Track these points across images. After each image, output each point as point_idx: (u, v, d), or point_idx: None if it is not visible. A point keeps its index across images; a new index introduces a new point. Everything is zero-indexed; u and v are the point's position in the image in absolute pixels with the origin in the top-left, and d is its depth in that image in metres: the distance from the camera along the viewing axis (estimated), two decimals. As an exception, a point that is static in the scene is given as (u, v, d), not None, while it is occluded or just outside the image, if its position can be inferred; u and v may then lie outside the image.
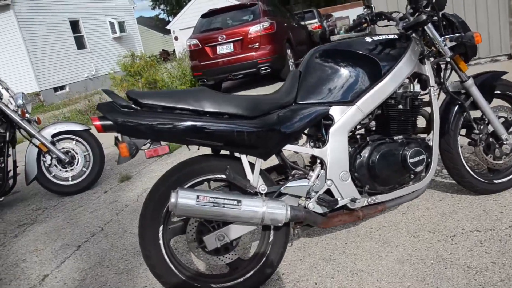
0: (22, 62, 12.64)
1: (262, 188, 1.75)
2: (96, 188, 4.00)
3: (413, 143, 1.92)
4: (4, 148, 3.70)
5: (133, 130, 1.62)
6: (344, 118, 1.83)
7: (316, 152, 1.83)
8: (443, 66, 2.13)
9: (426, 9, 1.96)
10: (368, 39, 1.91)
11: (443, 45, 1.98)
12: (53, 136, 3.86)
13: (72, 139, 3.96)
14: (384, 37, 1.94)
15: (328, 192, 1.86)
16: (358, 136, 1.97)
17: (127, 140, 1.61)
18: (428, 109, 2.06)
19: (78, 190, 3.93)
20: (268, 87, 7.84)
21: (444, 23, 2.06)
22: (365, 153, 1.88)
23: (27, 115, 3.80)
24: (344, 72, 1.85)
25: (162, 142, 1.70)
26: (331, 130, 1.82)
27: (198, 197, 1.62)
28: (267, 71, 7.68)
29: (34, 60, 12.76)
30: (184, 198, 1.60)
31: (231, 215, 1.66)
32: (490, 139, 2.22)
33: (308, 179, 1.83)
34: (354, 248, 2.08)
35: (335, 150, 1.83)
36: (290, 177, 1.87)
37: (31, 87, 12.78)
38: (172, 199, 1.60)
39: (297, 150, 1.83)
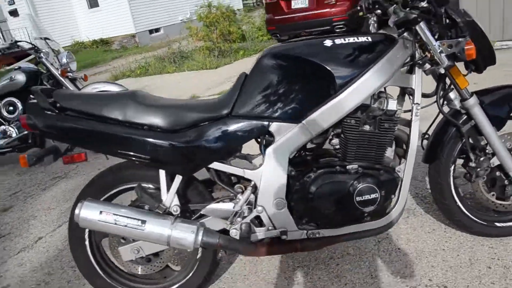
0: (121, 4, 13.37)
1: (175, 209, 1.61)
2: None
3: (369, 176, 1.58)
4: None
5: (52, 134, 1.59)
6: (286, 137, 1.56)
7: (247, 173, 1.61)
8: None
9: (421, 3, 1.51)
10: (328, 42, 1.53)
11: (438, 51, 1.52)
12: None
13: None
14: (352, 39, 1.54)
15: (259, 219, 1.65)
16: (308, 158, 1.68)
17: (30, 151, 1.59)
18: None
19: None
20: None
21: (447, 21, 1.58)
22: (306, 181, 1.59)
23: (70, 74, 4.03)
24: (292, 82, 1.54)
25: (80, 149, 1.66)
26: (268, 150, 1.57)
27: (101, 212, 1.55)
28: (343, 29, 7.04)
29: (132, 2, 13.40)
30: (86, 212, 1.55)
31: (135, 235, 1.58)
32: (497, 173, 1.74)
33: (235, 202, 1.63)
34: (303, 274, 1.87)
35: (271, 173, 1.59)
36: (217, 198, 1.69)
37: (128, 29, 13.59)
38: (76, 211, 1.56)
39: (225, 169, 1.62)
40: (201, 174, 1.67)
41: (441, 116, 1.73)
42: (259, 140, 1.62)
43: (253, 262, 2.01)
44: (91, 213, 1.55)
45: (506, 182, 1.73)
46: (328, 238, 1.67)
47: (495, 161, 1.70)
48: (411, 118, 1.59)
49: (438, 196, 1.82)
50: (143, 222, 1.55)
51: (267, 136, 1.59)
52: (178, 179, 1.61)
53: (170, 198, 1.61)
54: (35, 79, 3.97)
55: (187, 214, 1.68)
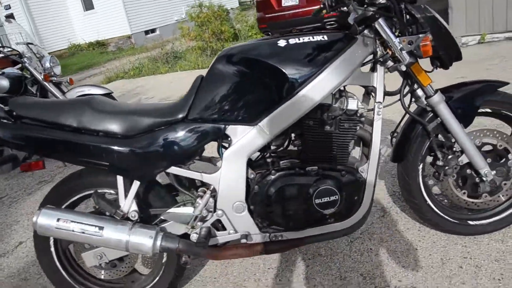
0: (116, 6, 13.36)
1: (133, 214, 1.58)
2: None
3: (328, 178, 1.54)
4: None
5: (8, 143, 1.57)
6: (243, 140, 1.52)
7: (205, 177, 1.58)
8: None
9: None
10: (282, 42, 1.49)
11: (398, 48, 1.47)
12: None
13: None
14: (307, 38, 1.49)
15: (220, 223, 1.61)
16: (269, 161, 1.64)
17: None
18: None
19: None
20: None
21: (408, 18, 1.53)
22: (265, 183, 1.55)
23: (54, 78, 4.00)
24: (247, 84, 1.50)
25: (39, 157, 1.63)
26: (226, 153, 1.54)
27: (58, 220, 1.53)
28: (334, 26, 6.96)
29: (127, 3, 13.39)
30: (43, 219, 1.53)
31: (93, 242, 1.55)
32: (468, 171, 1.69)
33: (195, 206, 1.60)
34: (273, 276, 1.83)
35: (229, 176, 1.55)
36: (178, 202, 1.66)
37: (123, 30, 13.59)
38: (34, 218, 1.53)
39: (183, 173, 1.59)
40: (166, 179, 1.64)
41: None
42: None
43: (224, 264, 1.98)
44: (48, 221, 1.52)
45: (477, 179, 1.68)
46: (292, 241, 1.63)
47: (464, 159, 1.65)
48: (373, 118, 1.55)
49: (408, 195, 1.77)
50: (101, 228, 1.52)
51: (224, 139, 1.55)
52: (136, 184, 1.58)
53: (128, 204, 1.58)
54: (19, 84, 3.94)
55: (148, 219, 1.64)
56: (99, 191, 1.65)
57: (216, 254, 1.64)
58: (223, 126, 1.52)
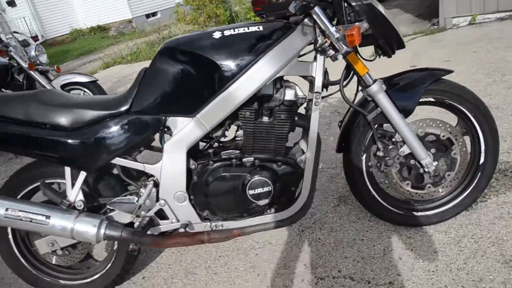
0: (116, -11, 13.31)
1: (79, 204, 1.64)
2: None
3: (263, 169, 1.57)
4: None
5: None
6: (182, 131, 1.56)
7: (147, 168, 1.62)
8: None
9: None
10: (217, 34, 1.50)
11: (335, 37, 1.47)
12: (63, 86, 4.09)
13: (80, 89, 4.16)
14: (242, 29, 1.50)
15: (163, 212, 1.66)
16: (210, 151, 1.67)
17: None
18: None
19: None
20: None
21: (345, 6, 1.53)
22: (203, 174, 1.60)
23: (39, 66, 4.05)
24: (185, 76, 1.52)
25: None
26: (166, 145, 1.58)
27: (7, 209, 1.58)
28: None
29: (128, -13, 13.33)
30: (-7, 208, 1.59)
31: (41, 230, 1.62)
32: (411, 161, 1.70)
33: (139, 196, 1.65)
34: (222, 264, 1.89)
35: (170, 167, 1.59)
36: (126, 191, 1.71)
37: (124, 14, 13.56)
38: (-17, 208, 1.59)
39: (126, 164, 1.63)
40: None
41: None
42: None
43: (180, 251, 2.04)
44: (-6, 210, 1.58)
45: (421, 170, 1.70)
46: (234, 230, 1.67)
47: (406, 149, 1.67)
48: (311, 108, 1.56)
49: (352, 185, 1.80)
50: (47, 217, 1.58)
51: (165, 130, 1.59)
52: (82, 175, 1.63)
53: (74, 194, 1.63)
54: (5, 73, 4.01)
55: (97, 208, 1.70)
56: (48, 181, 1.70)
57: (159, 243, 1.68)
58: (163, 118, 1.56)
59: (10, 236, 1.82)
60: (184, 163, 1.58)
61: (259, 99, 1.56)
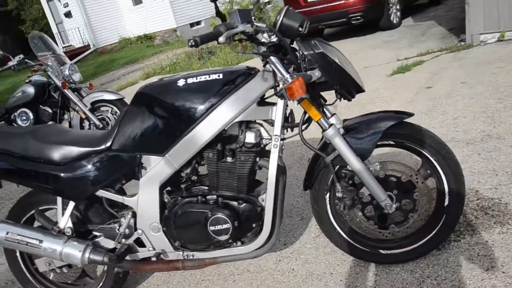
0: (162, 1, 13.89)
1: (67, 230, 1.85)
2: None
3: (223, 207, 1.69)
4: (57, 112, 4.45)
5: None
6: (154, 169, 1.73)
7: (126, 200, 1.80)
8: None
9: (270, 38, 1.60)
10: (181, 82, 1.65)
11: (289, 82, 1.53)
12: (93, 103, 4.43)
13: (108, 106, 4.48)
14: (203, 77, 1.64)
15: (140, 240, 1.83)
16: (182, 187, 1.82)
17: None
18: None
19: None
20: (365, 37, 7.10)
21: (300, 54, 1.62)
22: (173, 208, 1.75)
23: (72, 84, 4.41)
24: (155, 119, 1.69)
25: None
26: (141, 180, 1.76)
27: (7, 233, 1.83)
28: (360, 21, 6.86)
29: (173, -3, 13.88)
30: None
31: (35, 252, 1.85)
32: (374, 202, 1.76)
33: (120, 225, 1.83)
34: (203, 289, 2.03)
35: (145, 201, 1.77)
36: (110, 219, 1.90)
37: (169, 24, 14.12)
38: (-11, 231, 1.85)
39: (108, 196, 1.82)
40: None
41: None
42: None
43: (169, 274, 2.21)
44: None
45: (384, 210, 1.75)
46: (205, 259, 1.81)
47: (366, 191, 1.72)
48: (270, 150, 1.67)
49: (318, 222, 1.88)
50: (40, 241, 1.81)
51: (141, 167, 1.76)
52: (71, 204, 1.84)
53: (64, 221, 1.85)
54: (43, 91, 4.41)
55: (85, 233, 1.90)
56: (43, 208, 1.93)
57: (138, 268, 1.86)
58: (138, 155, 1.73)
59: (17, 254, 2.07)
60: (157, 197, 1.75)
61: (224, 139, 1.69)
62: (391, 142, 1.70)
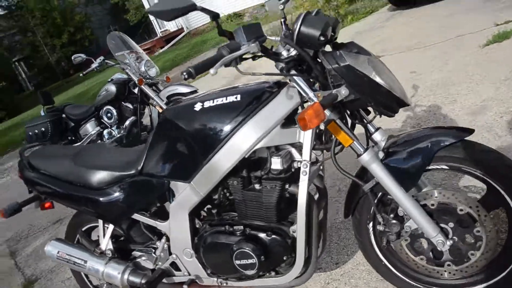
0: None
1: (108, 252, 1.90)
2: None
3: (250, 240, 1.55)
4: (137, 107, 4.68)
5: (28, 185, 2.03)
6: (182, 196, 1.66)
7: (159, 225, 1.78)
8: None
9: (287, 52, 1.40)
10: (198, 106, 1.51)
11: (313, 101, 1.35)
12: (169, 97, 4.55)
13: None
14: (220, 101, 1.49)
15: (175, 264, 1.81)
16: (214, 212, 1.72)
17: (9, 205, 2.01)
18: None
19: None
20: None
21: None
22: (202, 236, 1.67)
23: (148, 80, 4.57)
24: (179, 144, 1.60)
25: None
26: (171, 206, 1.71)
27: (58, 252, 1.96)
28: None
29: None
30: (49, 249, 1.98)
31: (81, 271, 1.95)
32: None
33: (155, 249, 1.82)
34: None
35: (176, 227, 1.73)
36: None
37: None
38: (45, 247, 1.99)
39: (143, 220, 1.81)
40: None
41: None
42: None
43: None
44: (52, 251, 1.97)
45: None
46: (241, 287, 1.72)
47: (413, 224, 1.44)
48: (299, 176, 1.47)
49: (363, 252, 1.64)
50: (85, 261, 1.90)
51: (171, 192, 1.70)
52: (111, 227, 1.88)
53: (105, 243, 1.91)
54: (124, 88, 4.66)
55: (126, 254, 1.94)
56: (88, 225, 2.01)
57: (174, 291, 1.85)
58: (167, 181, 1.67)
59: None
60: (187, 223, 1.68)
61: (250, 166, 1.54)
62: (444, 167, 1.39)
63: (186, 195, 1.64)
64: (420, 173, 1.39)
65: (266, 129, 1.44)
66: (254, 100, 1.46)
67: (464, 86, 3.16)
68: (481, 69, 3.30)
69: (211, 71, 1.23)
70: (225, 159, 1.50)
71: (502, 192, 1.33)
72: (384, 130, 1.50)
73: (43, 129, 4.87)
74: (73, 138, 4.99)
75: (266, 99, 1.45)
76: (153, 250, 1.84)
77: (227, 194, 1.66)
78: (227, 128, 1.48)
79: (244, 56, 1.37)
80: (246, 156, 1.48)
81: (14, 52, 21.36)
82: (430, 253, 1.50)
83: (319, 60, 1.39)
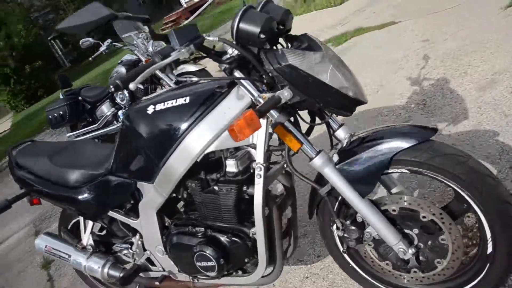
0: None
1: (89, 247, 1.94)
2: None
3: (209, 243, 1.52)
4: (148, 87, 4.69)
5: (16, 182, 2.09)
6: (148, 196, 1.65)
7: (131, 223, 1.79)
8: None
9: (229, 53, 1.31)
10: (150, 109, 1.46)
11: (260, 103, 1.28)
12: (178, 75, 4.52)
13: (191, 78, 4.52)
14: (170, 103, 1.43)
15: (151, 260, 1.83)
16: (182, 210, 1.71)
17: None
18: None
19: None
20: None
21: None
22: (168, 236, 1.67)
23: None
24: (141, 144, 1.55)
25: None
26: (140, 205, 1.71)
27: (46, 246, 2.03)
28: None
29: None
30: (38, 243, 2.06)
31: (69, 264, 2.01)
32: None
33: (131, 244, 1.85)
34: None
35: (146, 225, 1.73)
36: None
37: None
38: (35, 241, 2.07)
39: (118, 217, 1.82)
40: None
41: None
42: None
43: None
44: (40, 245, 2.05)
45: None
46: (212, 284, 1.72)
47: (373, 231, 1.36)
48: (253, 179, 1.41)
49: (331, 254, 1.58)
50: (69, 256, 1.96)
51: (139, 192, 1.70)
52: (90, 223, 1.92)
53: (86, 238, 1.95)
54: (134, 68, 4.66)
55: (107, 249, 1.98)
56: (72, 223, 2.07)
57: (152, 285, 1.88)
58: (133, 181, 1.67)
59: None
60: (155, 222, 1.68)
61: (207, 168, 1.50)
62: (405, 171, 1.27)
63: (151, 195, 1.62)
64: (377, 178, 1.29)
65: (217, 132, 1.37)
66: (203, 102, 1.38)
67: (478, 56, 2.90)
68: (497, 35, 3.00)
69: (131, 86, 1.16)
70: (179, 161, 1.46)
71: (468, 198, 1.21)
72: (347, 127, 1.40)
73: (61, 112, 4.99)
74: (90, 120, 5.11)
75: (216, 100, 1.38)
76: (130, 246, 1.86)
77: (191, 195, 1.63)
78: (178, 131, 1.42)
79: (186, 58, 1.30)
80: (199, 160, 1.43)
81: (49, 31, 21.85)
82: (396, 259, 1.41)
83: None
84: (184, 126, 1.41)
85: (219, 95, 1.38)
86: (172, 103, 1.43)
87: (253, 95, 1.29)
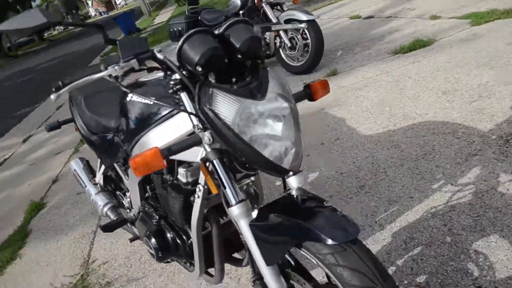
0: None
1: (98, 185, 2.19)
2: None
3: (156, 235, 1.60)
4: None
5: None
6: None
7: (125, 181, 1.94)
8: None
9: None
10: (129, 96, 1.52)
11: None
12: (286, 21, 4.31)
13: (298, 29, 4.27)
14: (144, 100, 1.43)
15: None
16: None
17: (48, 123, 2.38)
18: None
19: (300, 71, 4.51)
20: None
21: None
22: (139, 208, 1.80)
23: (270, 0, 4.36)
24: (124, 118, 1.64)
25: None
26: (129, 171, 1.83)
27: (74, 170, 2.39)
28: None
29: None
30: (71, 165, 2.42)
31: (85, 192, 2.32)
32: None
33: (126, 195, 2.03)
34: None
35: (131, 189, 1.87)
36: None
37: None
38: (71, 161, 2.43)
39: (118, 171, 1.98)
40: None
41: None
42: None
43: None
44: (71, 167, 2.45)
45: None
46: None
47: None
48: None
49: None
50: (85, 185, 2.27)
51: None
52: (103, 166, 2.14)
53: (98, 177, 2.20)
54: (246, 3, 4.57)
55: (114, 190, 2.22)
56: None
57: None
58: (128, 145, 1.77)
59: None
60: (137, 188, 1.78)
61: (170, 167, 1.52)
62: (312, 260, 1.08)
63: (132, 169, 1.72)
64: (284, 252, 1.15)
65: (167, 142, 1.33)
66: (163, 112, 1.36)
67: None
68: None
69: (52, 96, 1.17)
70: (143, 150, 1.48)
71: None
72: (304, 174, 1.24)
73: (180, 28, 5.26)
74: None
75: (170, 114, 1.33)
76: (125, 197, 2.05)
77: None
78: (141, 126, 1.46)
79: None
80: None
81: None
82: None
83: None
84: (145, 125, 1.43)
85: (178, 109, 1.31)
86: (142, 99, 1.43)
87: (193, 125, 1.20)
